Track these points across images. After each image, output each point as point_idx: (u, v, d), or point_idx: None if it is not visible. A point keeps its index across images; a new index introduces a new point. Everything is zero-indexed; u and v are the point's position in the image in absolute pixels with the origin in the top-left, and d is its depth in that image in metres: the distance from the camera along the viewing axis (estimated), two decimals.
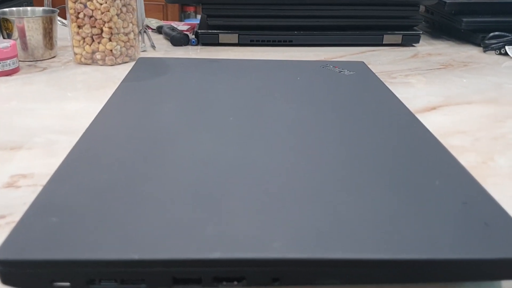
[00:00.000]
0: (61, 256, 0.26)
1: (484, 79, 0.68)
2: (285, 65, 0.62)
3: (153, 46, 0.81)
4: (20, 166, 0.41)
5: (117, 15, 0.67)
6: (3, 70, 0.63)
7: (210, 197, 0.31)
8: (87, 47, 0.68)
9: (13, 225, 0.30)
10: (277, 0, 0.80)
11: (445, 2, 0.86)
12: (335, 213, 0.29)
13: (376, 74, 0.60)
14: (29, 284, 0.26)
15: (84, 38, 0.68)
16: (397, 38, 0.84)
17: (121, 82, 0.54)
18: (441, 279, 0.27)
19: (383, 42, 0.84)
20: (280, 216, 0.29)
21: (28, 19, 0.68)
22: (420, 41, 0.86)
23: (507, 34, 0.82)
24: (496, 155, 0.45)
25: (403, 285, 0.28)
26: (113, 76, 0.65)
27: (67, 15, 0.68)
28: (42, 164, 0.41)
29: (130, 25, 0.70)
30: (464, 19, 0.84)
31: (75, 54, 0.69)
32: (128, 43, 0.70)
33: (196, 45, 0.84)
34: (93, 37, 0.68)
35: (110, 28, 0.67)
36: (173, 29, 0.86)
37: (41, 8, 0.75)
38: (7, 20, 0.68)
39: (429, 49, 0.85)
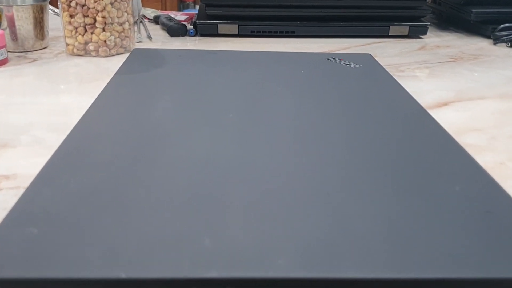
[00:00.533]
0: (40, 275, 0.23)
1: (495, 73, 0.65)
2: (288, 57, 0.59)
3: (149, 37, 0.78)
4: (3, 166, 0.38)
5: (111, 4, 0.64)
6: None
7: (206, 205, 0.28)
8: (79, 37, 0.65)
9: None
10: None
11: None
12: (345, 225, 0.26)
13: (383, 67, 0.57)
14: None
15: (76, 28, 0.65)
16: (404, 29, 0.81)
17: (114, 75, 0.51)
18: None
19: (389, 34, 0.81)
20: (285, 228, 0.26)
21: (18, 8, 0.65)
22: (427, 33, 0.83)
23: None
24: None
25: None
26: (107, 68, 0.62)
27: (59, 4, 0.65)
28: (27, 164, 0.38)
29: (125, 14, 0.66)
30: (474, 10, 0.81)
31: (67, 45, 0.66)
32: (122, 34, 0.67)
33: (194, 36, 0.80)
34: (86, 27, 0.64)
35: (103, 17, 0.64)
36: (171, 19, 0.83)
37: None
38: None
39: (437, 41, 0.82)
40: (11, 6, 0.65)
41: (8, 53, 0.64)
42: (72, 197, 0.28)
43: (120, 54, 0.67)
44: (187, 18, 0.90)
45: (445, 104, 0.53)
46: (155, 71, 0.52)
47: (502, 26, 0.79)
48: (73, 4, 0.63)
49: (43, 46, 0.70)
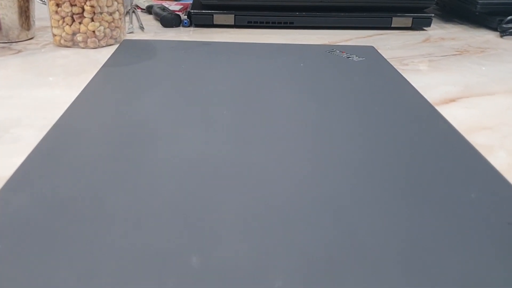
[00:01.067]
0: None
1: (504, 67, 0.62)
2: (286, 50, 0.56)
3: (141, 27, 0.75)
4: None
5: None
6: None
7: (194, 216, 0.25)
8: (67, 27, 0.62)
9: None
10: None
11: None
12: (352, 239, 0.23)
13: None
14: None
15: (63, 18, 0.61)
16: (407, 21, 0.78)
17: (101, 67, 0.48)
18: None
19: (392, 25, 0.78)
20: (284, 244, 0.23)
21: None
22: (431, 25, 0.80)
23: None
24: None
25: None
26: (95, 60, 0.58)
27: None
28: (1, 165, 0.35)
29: (115, 3, 0.63)
30: (480, 1, 0.78)
31: (54, 35, 0.63)
32: (112, 24, 0.63)
33: (189, 26, 0.77)
34: (74, 16, 0.61)
35: (92, 6, 0.60)
36: (164, 9, 0.79)
37: None
38: None
39: (441, 33, 0.79)
40: None
41: None
42: (45, 206, 0.25)
43: (110, 45, 0.64)
44: (182, 8, 0.86)
45: (453, 100, 0.50)
46: (144, 64, 0.49)
47: (509, 17, 0.76)
48: None
49: (29, 36, 0.66)
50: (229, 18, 0.75)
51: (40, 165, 0.29)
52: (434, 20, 0.86)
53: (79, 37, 0.62)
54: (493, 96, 0.51)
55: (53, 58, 0.59)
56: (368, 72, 0.49)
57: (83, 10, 0.60)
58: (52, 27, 0.63)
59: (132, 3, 0.83)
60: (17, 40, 0.65)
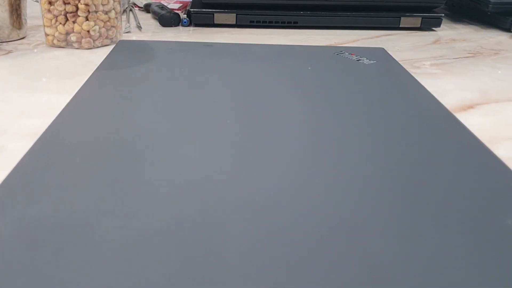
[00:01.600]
0: None
1: None
2: (292, 52, 0.52)
3: (139, 27, 0.71)
4: None
5: None
6: None
7: (194, 246, 0.22)
8: (60, 27, 0.58)
9: None
10: None
11: None
12: (371, 271, 0.20)
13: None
14: None
15: (56, 17, 0.58)
16: (416, 21, 0.75)
17: (95, 71, 0.44)
18: None
19: (400, 26, 0.75)
20: (297, 277, 0.20)
21: None
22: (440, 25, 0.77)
23: None
24: None
25: None
26: (90, 62, 0.55)
27: None
28: None
29: (111, 2, 0.60)
30: (492, 1, 0.75)
31: (47, 35, 0.60)
32: (108, 23, 0.60)
33: (188, 26, 0.74)
34: (67, 15, 0.58)
35: (86, 5, 0.57)
36: (163, 7, 0.76)
37: None
38: None
39: (452, 34, 0.75)
40: None
41: None
42: (26, 232, 0.22)
43: (105, 46, 0.61)
44: (181, 6, 0.83)
45: (471, 106, 0.47)
46: (141, 67, 0.45)
47: None
48: None
49: (21, 36, 0.63)
50: (231, 17, 0.72)
51: (23, 184, 0.26)
52: (443, 20, 0.83)
53: (73, 37, 0.59)
54: None
55: (45, 60, 0.56)
56: (380, 76, 0.45)
57: (77, 8, 0.57)
58: (44, 26, 0.59)
59: (129, 1, 0.80)
60: (7, 40, 0.61)
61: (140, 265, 0.20)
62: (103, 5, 0.59)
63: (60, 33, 0.59)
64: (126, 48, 0.51)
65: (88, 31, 0.58)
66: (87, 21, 0.58)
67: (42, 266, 0.20)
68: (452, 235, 0.23)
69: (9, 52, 0.58)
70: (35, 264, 0.20)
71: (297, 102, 0.38)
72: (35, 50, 0.59)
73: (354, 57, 0.51)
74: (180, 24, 0.73)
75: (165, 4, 0.81)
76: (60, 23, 0.58)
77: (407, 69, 0.57)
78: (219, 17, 0.72)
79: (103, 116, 0.34)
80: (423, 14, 0.74)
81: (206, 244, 0.22)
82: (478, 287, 0.20)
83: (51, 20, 0.58)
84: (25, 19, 0.63)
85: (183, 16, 0.73)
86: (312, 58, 0.50)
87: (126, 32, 0.68)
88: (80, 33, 0.58)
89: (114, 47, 0.51)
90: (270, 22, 0.73)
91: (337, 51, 0.53)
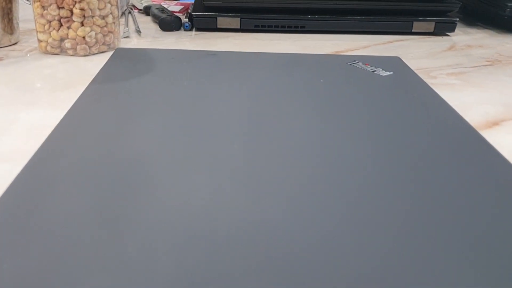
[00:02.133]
0: None
1: None
2: (302, 61, 0.49)
3: (138, 31, 0.68)
4: None
5: None
6: None
7: None
8: (53, 33, 0.55)
9: None
10: None
11: None
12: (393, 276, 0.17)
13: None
14: None
15: (49, 22, 0.54)
16: (429, 25, 0.71)
17: (90, 83, 0.41)
18: None
19: (412, 30, 0.71)
20: None
21: None
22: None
23: None
24: None
25: None
26: (86, 71, 0.52)
27: None
28: None
29: (109, 5, 0.56)
30: (509, 4, 0.71)
31: (40, 41, 0.56)
32: (105, 29, 0.56)
33: (190, 30, 0.70)
34: (61, 20, 0.54)
35: (82, 9, 0.53)
36: (163, 10, 0.72)
37: None
38: None
39: (467, 39, 0.72)
40: None
41: None
42: (8, 280, 0.19)
43: (102, 52, 0.57)
44: (182, 8, 0.79)
45: (496, 123, 0.43)
46: (140, 80, 0.42)
47: None
48: None
49: (12, 41, 0.59)
50: (235, 22, 0.69)
51: (9, 217, 0.23)
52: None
53: (67, 44, 0.55)
54: None
55: (38, 68, 0.52)
56: (399, 89, 0.42)
57: (72, 13, 0.54)
58: (37, 32, 0.56)
59: (128, 2, 0.77)
60: None
61: None
62: (99, 9, 0.55)
63: (54, 39, 0.55)
64: (124, 57, 0.48)
65: (84, 37, 0.55)
66: (83, 27, 0.54)
67: None
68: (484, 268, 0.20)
69: (0, 59, 0.54)
70: None
71: (311, 122, 0.35)
72: (28, 57, 0.56)
73: (369, 68, 0.47)
74: (182, 28, 0.70)
75: (166, 6, 0.78)
76: (54, 28, 0.55)
77: (424, 79, 0.53)
78: (222, 21, 0.68)
79: (98, 139, 0.31)
80: (436, 19, 0.71)
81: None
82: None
83: (44, 25, 0.55)
84: (17, 23, 0.60)
85: (184, 20, 0.70)
86: (323, 69, 0.47)
87: (125, 37, 0.65)
88: (75, 39, 0.55)
89: (111, 56, 0.48)
90: (276, 26, 0.69)
91: (349, 60, 0.50)
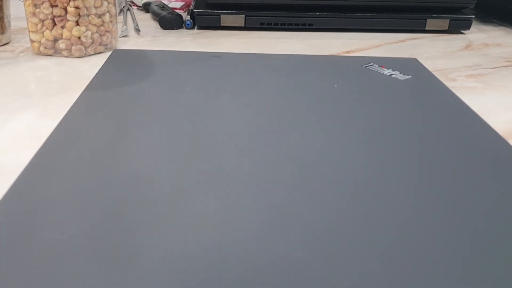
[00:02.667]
0: None
1: None
2: (313, 64, 0.45)
3: (137, 30, 0.64)
4: None
5: None
6: None
7: None
8: (47, 33, 0.51)
9: None
10: None
11: None
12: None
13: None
14: None
15: (42, 21, 0.51)
16: (443, 23, 0.68)
17: (84, 90, 0.38)
18: None
19: (426, 28, 0.68)
20: None
21: None
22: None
23: None
24: None
25: None
26: (81, 73, 0.48)
27: None
28: None
29: (105, 3, 0.52)
30: None
31: (32, 41, 0.53)
32: (102, 28, 0.53)
33: (192, 28, 0.66)
34: (55, 19, 0.51)
35: (77, 8, 0.50)
36: (163, 7, 0.69)
37: None
38: None
39: (483, 37, 0.68)
40: None
41: None
42: None
43: (99, 53, 0.54)
44: (183, 5, 0.76)
45: None
46: (138, 86, 0.39)
47: None
48: None
49: (4, 41, 0.56)
50: (239, 19, 0.65)
51: None
52: None
53: (61, 44, 0.52)
54: None
55: (30, 71, 0.49)
56: (420, 96, 0.39)
57: (66, 11, 0.50)
58: (29, 31, 0.52)
59: None
60: None
61: None
62: (95, 7, 0.52)
63: (47, 40, 0.52)
64: (122, 60, 0.44)
65: (79, 37, 0.51)
66: (78, 26, 0.51)
67: None
68: None
69: None
70: None
71: (328, 136, 0.31)
72: (20, 57, 0.53)
73: (386, 71, 0.44)
74: (183, 26, 0.66)
75: (166, 3, 0.74)
76: (47, 28, 0.51)
77: (442, 81, 0.50)
78: (226, 19, 0.65)
79: (92, 157, 0.28)
80: (451, 16, 0.67)
81: None
82: None
83: (36, 24, 0.51)
84: (9, 22, 0.56)
85: (186, 17, 0.66)
86: (336, 73, 0.43)
87: (123, 36, 0.61)
88: (69, 39, 0.51)
89: (108, 59, 0.44)
90: (282, 24, 0.66)
91: (364, 63, 0.46)
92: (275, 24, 0.66)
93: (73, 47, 0.52)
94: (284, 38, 0.63)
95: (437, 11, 0.68)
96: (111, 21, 0.54)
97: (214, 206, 0.23)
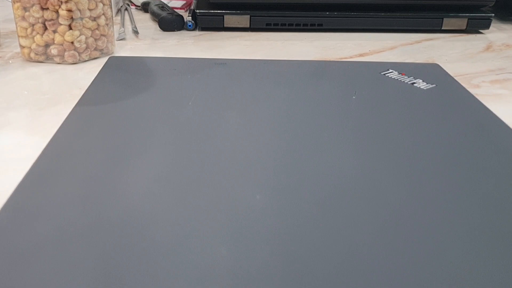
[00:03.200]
0: None
1: None
2: (327, 71, 0.42)
3: (135, 32, 0.60)
4: None
5: None
6: None
7: None
8: (37, 38, 0.47)
9: None
10: None
11: None
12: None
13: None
14: None
15: (33, 25, 0.47)
16: (461, 22, 0.64)
17: (77, 103, 0.34)
18: None
19: (442, 28, 0.64)
20: None
21: None
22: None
23: None
24: None
25: None
26: (75, 82, 0.44)
27: None
28: None
29: (100, 5, 0.49)
30: None
31: (22, 47, 0.49)
32: (97, 32, 0.49)
33: (194, 29, 0.63)
34: (46, 23, 0.47)
35: (69, 10, 0.46)
36: (163, 7, 0.65)
37: None
38: None
39: (503, 37, 0.64)
40: None
41: None
42: None
43: (94, 59, 0.50)
44: (184, 4, 0.72)
45: None
46: (137, 99, 0.35)
47: None
48: None
49: None
50: (244, 20, 0.61)
51: None
52: None
53: (53, 50, 0.48)
54: None
55: (19, 80, 0.45)
56: (447, 107, 0.35)
57: (58, 15, 0.46)
58: (19, 36, 0.48)
59: None
60: None
61: None
62: (90, 10, 0.48)
63: (38, 45, 0.48)
64: (118, 68, 0.41)
65: (72, 42, 0.48)
66: (71, 30, 0.47)
67: None
68: None
69: None
70: None
71: (349, 155, 0.28)
72: (9, 65, 0.49)
73: (406, 79, 0.40)
74: (184, 27, 0.62)
75: (166, 2, 0.70)
76: (38, 33, 0.47)
77: (467, 89, 0.46)
78: (230, 20, 0.61)
79: (85, 183, 0.24)
80: (469, 14, 0.63)
81: None
82: None
83: (26, 29, 0.47)
84: None
85: (187, 18, 0.62)
86: (354, 81, 0.39)
87: (120, 40, 0.57)
88: (62, 44, 0.48)
89: (103, 67, 0.41)
90: (290, 25, 0.62)
91: (382, 69, 0.42)
92: (282, 24, 0.62)
93: (66, 53, 0.48)
94: (292, 40, 0.60)
95: (455, 9, 0.64)
96: (107, 24, 0.50)
97: (224, 254, 0.20)
